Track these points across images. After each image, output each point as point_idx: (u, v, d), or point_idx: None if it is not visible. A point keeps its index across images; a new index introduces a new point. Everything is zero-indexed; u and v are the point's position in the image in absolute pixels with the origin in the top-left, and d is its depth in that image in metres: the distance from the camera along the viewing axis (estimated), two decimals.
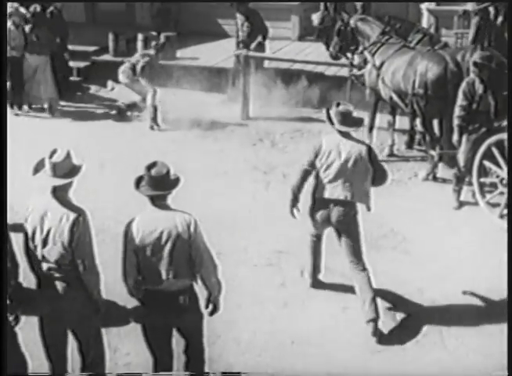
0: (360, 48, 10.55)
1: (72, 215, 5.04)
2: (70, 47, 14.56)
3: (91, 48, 14.77)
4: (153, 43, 12.66)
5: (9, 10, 12.30)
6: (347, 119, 6.50)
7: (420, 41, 10.09)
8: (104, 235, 7.30)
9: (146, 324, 5.32)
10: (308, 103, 12.26)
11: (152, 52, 12.35)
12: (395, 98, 9.70)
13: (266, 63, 12.98)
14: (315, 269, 7.17)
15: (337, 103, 6.65)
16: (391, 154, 10.41)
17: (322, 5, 13.71)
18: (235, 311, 6.72)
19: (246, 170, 10.05)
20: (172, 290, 5.13)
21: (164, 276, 5.08)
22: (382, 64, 9.86)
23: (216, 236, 8.06)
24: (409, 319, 6.70)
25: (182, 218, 5.11)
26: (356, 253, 6.67)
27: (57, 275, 5.15)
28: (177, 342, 5.42)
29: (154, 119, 12.05)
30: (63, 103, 13.07)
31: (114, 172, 9.49)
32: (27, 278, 5.43)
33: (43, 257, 5.15)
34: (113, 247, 5.69)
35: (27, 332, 5.60)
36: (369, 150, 6.58)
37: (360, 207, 6.71)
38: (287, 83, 12.64)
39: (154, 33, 13.44)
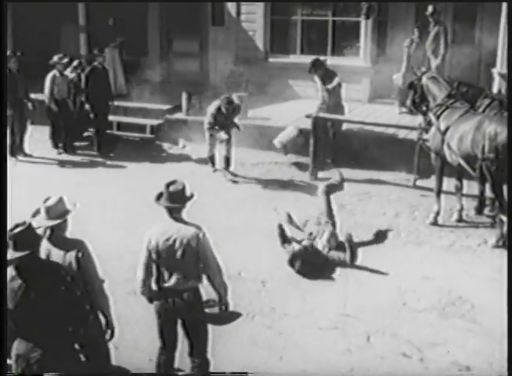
0: (430, 106, 10.53)
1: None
2: (144, 105, 15.17)
3: (165, 107, 15.19)
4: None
5: (55, 59, 13.60)
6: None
7: (488, 105, 10.03)
8: None
9: (158, 315, 6.10)
10: (378, 165, 12.27)
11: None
12: (463, 163, 9.59)
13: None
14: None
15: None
16: (460, 220, 10.27)
17: (403, 66, 13.96)
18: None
19: None
20: (181, 288, 5.95)
21: (174, 276, 5.93)
22: (447, 129, 9.78)
23: (282, 298, 8.17)
24: None
25: (192, 228, 5.96)
26: None
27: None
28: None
29: (226, 169, 12.45)
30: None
31: None
32: None
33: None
34: None
35: None
36: None
37: None
38: (356, 145, 12.76)
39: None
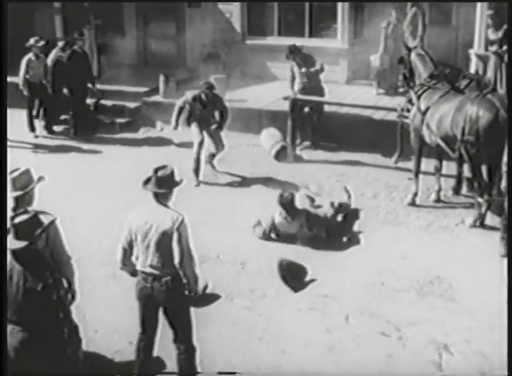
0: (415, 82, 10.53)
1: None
2: (122, 88, 15.03)
3: (142, 89, 15.09)
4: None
5: (31, 41, 13.52)
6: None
7: (466, 86, 10.04)
8: None
9: (139, 301, 6.08)
10: (355, 146, 12.29)
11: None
12: (442, 144, 9.59)
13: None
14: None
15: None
16: (438, 200, 10.31)
17: (381, 47, 14.01)
18: (279, 356, 6.74)
19: None
20: (159, 274, 5.91)
21: (149, 261, 5.90)
22: (427, 110, 9.79)
23: (261, 279, 8.19)
24: None
25: (170, 215, 5.88)
26: None
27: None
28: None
29: (196, 171, 11.25)
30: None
31: None
32: None
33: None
34: None
35: None
36: None
37: None
38: (334, 126, 12.76)
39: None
